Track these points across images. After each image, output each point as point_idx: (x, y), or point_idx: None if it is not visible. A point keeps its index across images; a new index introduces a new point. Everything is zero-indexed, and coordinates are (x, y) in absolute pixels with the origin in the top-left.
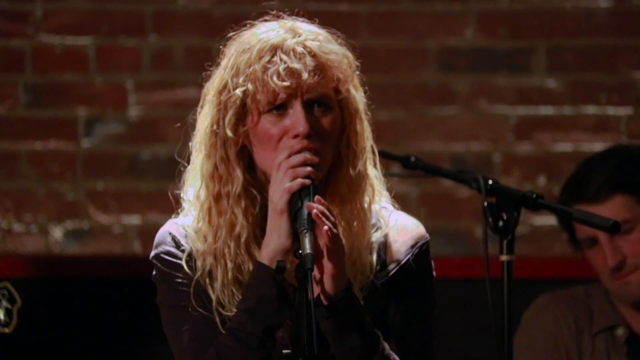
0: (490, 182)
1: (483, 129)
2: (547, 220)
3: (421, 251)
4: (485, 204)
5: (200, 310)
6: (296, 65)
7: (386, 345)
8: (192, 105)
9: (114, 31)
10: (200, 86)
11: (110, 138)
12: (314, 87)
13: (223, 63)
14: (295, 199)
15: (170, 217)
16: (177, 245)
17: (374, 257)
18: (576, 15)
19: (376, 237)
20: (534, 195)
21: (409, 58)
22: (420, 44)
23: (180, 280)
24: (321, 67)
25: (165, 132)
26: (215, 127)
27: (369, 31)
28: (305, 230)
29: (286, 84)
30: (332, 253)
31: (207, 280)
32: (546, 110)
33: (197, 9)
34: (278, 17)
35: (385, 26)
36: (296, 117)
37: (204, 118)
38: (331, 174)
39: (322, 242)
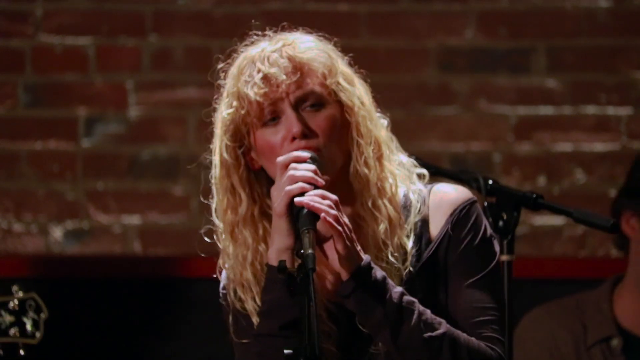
0: (490, 182)
1: (483, 129)
2: (547, 220)
3: (460, 218)
4: (486, 204)
5: (242, 340)
6: (272, 70)
7: (427, 311)
8: (192, 105)
9: (114, 31)
10: (200, 86)
11: (110, 138)
12: (298, 87)
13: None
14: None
15: (170, 217)
16: (227, 278)
17: (410, 242)
18: (576, 15)
19: (413, 220)
20: (534, 195)
21: (409, 58)
22: (420, 44)
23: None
24: (299, 67)
25: (165, 132)
26: (218, 157)
27: (369, 31)
28: (306, 231)
29: (265, 90)
30: (338, 234)
31: (246, 307)
32: (546, 110)
33: (197, 9)
34: (264, 35)
35: (385, 26)
36: (288, 121)
37: (214, 153)
38: (345, 172)
39: (326, 226)
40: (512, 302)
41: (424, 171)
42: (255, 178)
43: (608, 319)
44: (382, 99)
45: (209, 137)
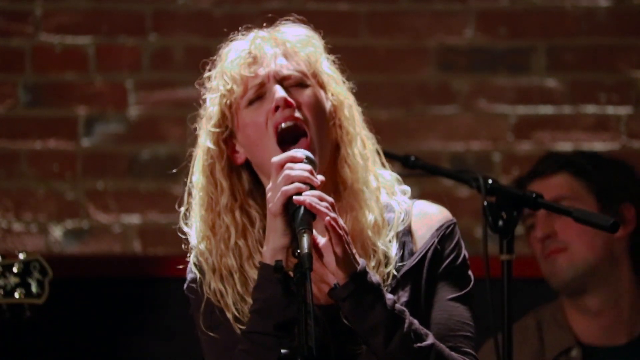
0: (490, 181)
1: (483, 129)
2: None
3: (445, 234)
4: (485, 203)
5: (210, 333)
6: (257, 47)
7: (415, 321)
8: (192, 105)
9: (113, 31)
10: (200, 86)
11: (110, 138)
12: (283, 65)
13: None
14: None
15: (169, 217)
16: (202, 271)
17: (393, 247)
18: (576, 14)
19: (396, 228)
20: (534, 195)
21: (408, 58)
22: (420, 43)
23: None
24: (285, 46)
25: (165, 132)
26: (200, 149)
27: (368, 31)
28: (303, 230)
29: (249, 61)
30: (337, 237)
31: (221, 301)
32: (546, 109)
33: (197, 8)
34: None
35: (385, 26)
36: (272, 93)
37: (196, 146)
38: (334, 162)
39: (325, 228)
40: (512, 302)
41: (407, 188)
42: (237, 176)
43: (566, 331)
44: (382, 99)
45: (195, 138)
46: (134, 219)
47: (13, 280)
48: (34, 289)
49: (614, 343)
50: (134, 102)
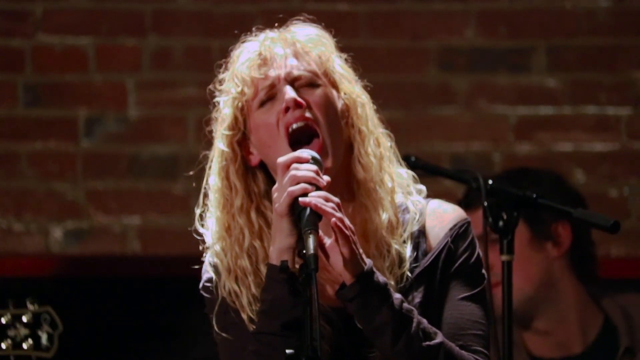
0: (490, 181)
1: (483, 129)
2: None
3: (459, 233)
4: (486, 203)
5: (224, 333)
6: (268, 48)
7: (424, 320)
8: (192, 104)
9: (113, 31)
10: (200, 85)
11: (110, 138)
12: (294, 66)
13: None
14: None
15: (169, 217)
16: (217, 272)
17: (408, 248)
18: (576, 14)
19: (411, 228)
20: (534, 195)
21: (408, 58)
22: (420, 43)
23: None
24: (296, 47)
25: (165, 132)
26: (214, 151)
27: (368, 31)
28: (308, 231)
29: (258, 62)
30: (344, 238)
31: (236, 302)
32: (546, 109)
33: (197, 8)
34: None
35: (385, 26)
36: (282, 94)
37: (212, 150)
38: (347, 162)
39: (331, 229)
40: (512, 302)
41: (423, 187)
42: (253, 177)
43: (520, 348)
44: (382, 99)
45: (208, 140)
46: (133, 219)
47: (23, 331)
48: (44, 341)
49: (569, 354)
50: (134, 102)
